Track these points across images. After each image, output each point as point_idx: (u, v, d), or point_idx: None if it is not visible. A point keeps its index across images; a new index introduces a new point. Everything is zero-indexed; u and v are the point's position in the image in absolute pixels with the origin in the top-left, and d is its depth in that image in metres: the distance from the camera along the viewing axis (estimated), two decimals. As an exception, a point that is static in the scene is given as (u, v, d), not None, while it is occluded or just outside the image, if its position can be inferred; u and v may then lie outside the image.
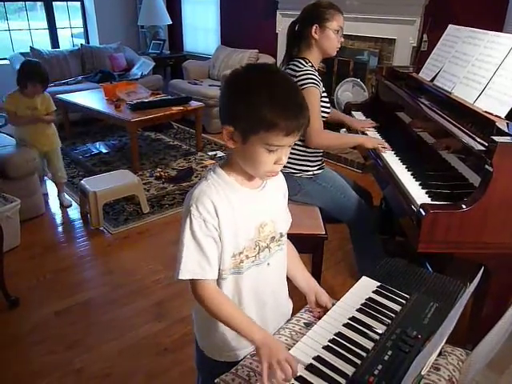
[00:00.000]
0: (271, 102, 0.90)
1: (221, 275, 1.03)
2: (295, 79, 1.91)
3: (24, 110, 3.06)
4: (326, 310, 1.12)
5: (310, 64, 1.98)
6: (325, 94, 2.02)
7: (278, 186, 1.14)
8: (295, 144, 2.02)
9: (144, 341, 2.02)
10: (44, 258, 2.70)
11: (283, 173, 2.01)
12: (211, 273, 1.00)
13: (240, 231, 1.01)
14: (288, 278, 1.21)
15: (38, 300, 2.30)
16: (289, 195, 2.04)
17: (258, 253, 1.05)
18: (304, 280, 1.21)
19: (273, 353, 0.92)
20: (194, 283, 1.01)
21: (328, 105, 2.05)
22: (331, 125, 2.27)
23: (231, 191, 1.01)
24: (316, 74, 1.95)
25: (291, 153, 2.03)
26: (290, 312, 1.24)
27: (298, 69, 1.93)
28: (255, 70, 0.98)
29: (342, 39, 2.02)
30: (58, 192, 3.41)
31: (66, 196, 3.42)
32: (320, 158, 2.09)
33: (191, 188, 1.04)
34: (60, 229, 3.04)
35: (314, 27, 1.94)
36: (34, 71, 3.03)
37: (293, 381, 0.89)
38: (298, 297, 1.25)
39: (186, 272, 0.99)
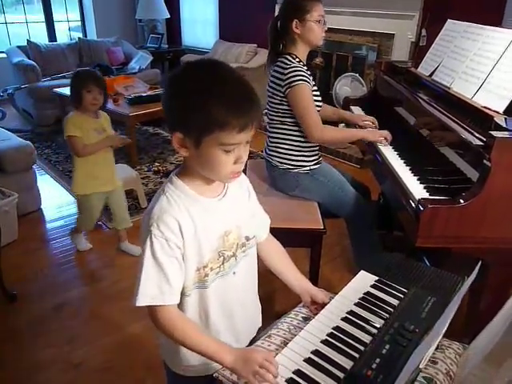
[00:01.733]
0: (217, 100, 0.84)
1: (184, 293, 0.97)
2: (284, 77, 1.90)
3: (92, 134, 2.35)
4: (323, 305, 1.12)
5: (297, 60, 1.96)
6: (315, 88, 2.00)
7: (240, 188, 1.06)
8: (291, 140, 2.01)
9: (144, 334, 2.02)
10: (42, 252, 2.70)
11: (280, 169, 2.04)
12: (172, 297, 0.93)
13: (203, 245, 0.95)
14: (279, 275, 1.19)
15: (36, 294, 2.30)
16: (286, 191, 2.09)
17: (223, 263, 1.00)
18: (296, 281, 1.18)
19: (250, 363, 0.88)
20: (152, 309, 0.94)
21: (319, 98, 2.04)
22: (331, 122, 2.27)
23: (191, 204, 0.94)
24: (304, 69, 1.93)
25: (287, 148, 2.03)
26: (260, 317, 1.21)
27: (285, 66, 1.91)
28: (196, 68, 0.91)
29: (326, 27, 1.97)
30: (121, 240, 2.71)
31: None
32: (317, 153, 2.09)
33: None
34: (57, 223, 3.03)
35: (294, 23, 1.91)
36: (86, 76, 2.34)
37: (291, 375, 0.89)
38: (293, 294, 1.22)
39: (145, 297, 0.92)
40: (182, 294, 0.97)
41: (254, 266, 1.12)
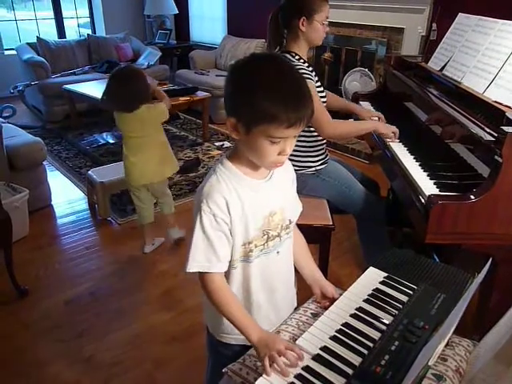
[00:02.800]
0: (271, 95, 0.89)
1: (231, 265, 1.05)
2: None
3: None
4: (332, 300, 1.12)
5: (297, 57, 1.93)
6: (319, 84, 1.99)
7: (285, 174, 1.13)
8: (297, 140, 2.00)
9: (152, 329, 2.04)
10: (52, 247, 2.72)
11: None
12: (218, 266, 1.02)
13: (249, 222, 1.02)
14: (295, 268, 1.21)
15: (46, 289, 2.32)
16: (295, 191, 2.07)
17: (267, 241, 1.06)
18: (310, 271, 1.21)
19: (270, 346, 0.93)
20: (201, 276, 1.03)
21: (324, 94, 2.03)
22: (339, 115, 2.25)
23: (239, 183, 1.01)
24: (305, 66, 1.92)
25: (293, 149, 2.01)
26: (295, 298, 1.26)
27: None
28: (259, 61, 0.97)
29: (328, 28, 1.95)
30: (169, 225, 2.71)
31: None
32: (323, 152, 2.07)
33: (198, 178, 1.04)
34: (68, 219, 3.06)
35: (302, 20, 1.87)
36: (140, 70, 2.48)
37: (300, 371, 0.89)
38: (305, 287, 1.24)
39: (194, 265, 1.01)
40: (230, 267, 1.06)
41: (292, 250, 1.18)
